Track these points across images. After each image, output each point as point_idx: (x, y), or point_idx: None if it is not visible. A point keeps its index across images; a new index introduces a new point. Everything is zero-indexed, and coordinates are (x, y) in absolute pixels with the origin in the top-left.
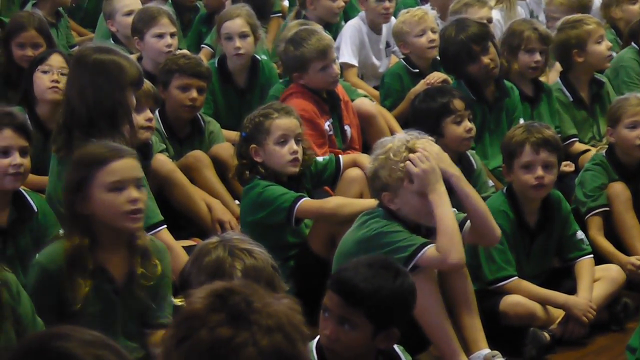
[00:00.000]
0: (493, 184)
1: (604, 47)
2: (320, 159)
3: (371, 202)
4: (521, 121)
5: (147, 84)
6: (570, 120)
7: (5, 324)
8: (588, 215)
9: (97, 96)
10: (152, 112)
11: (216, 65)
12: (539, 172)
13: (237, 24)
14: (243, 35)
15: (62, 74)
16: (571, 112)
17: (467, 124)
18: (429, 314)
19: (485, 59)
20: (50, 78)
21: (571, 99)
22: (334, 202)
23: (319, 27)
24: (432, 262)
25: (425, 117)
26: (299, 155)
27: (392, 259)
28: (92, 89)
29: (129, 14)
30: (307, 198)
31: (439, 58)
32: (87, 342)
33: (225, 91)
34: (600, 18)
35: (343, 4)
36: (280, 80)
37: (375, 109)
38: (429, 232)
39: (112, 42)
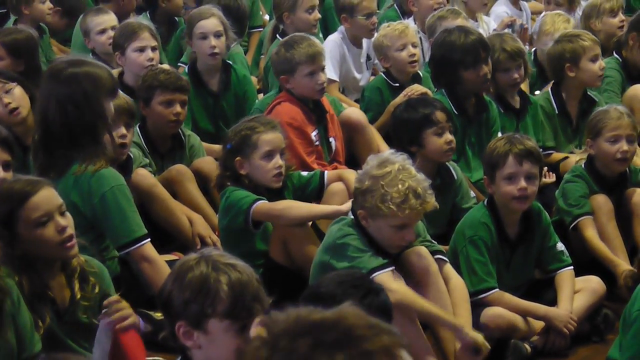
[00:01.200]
0: (474, 195)
1: (597, 66)
2: (304, 173)
3: (323, 209)
4: (499, 135)
5: (121, 98)
6: (550, 132)
7: (6, 331)
8: (576, 221)
9: (77, 111)
10: (127, 127)
11: (187, 70)
12: (522, 183)
13: (212, 23)
14: (217, 35)
15: (6, 92)
16: (553, 124)
17: (448, 136)
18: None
19: (486, 68)
20: (3, 103)
21: (557, 111)
22: (283, 204)
23: (311, 36)
24: (385, 284)
25: (406, 127)
26: (282, 170)
27: (365, 276)
28: (72, 104)
29: (102, 32)
30: (264, 200)
31: (419, 72)
32: None
33: (199, 96)
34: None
35: (319, 16)
36: (268, 94)
37: (364, 119)
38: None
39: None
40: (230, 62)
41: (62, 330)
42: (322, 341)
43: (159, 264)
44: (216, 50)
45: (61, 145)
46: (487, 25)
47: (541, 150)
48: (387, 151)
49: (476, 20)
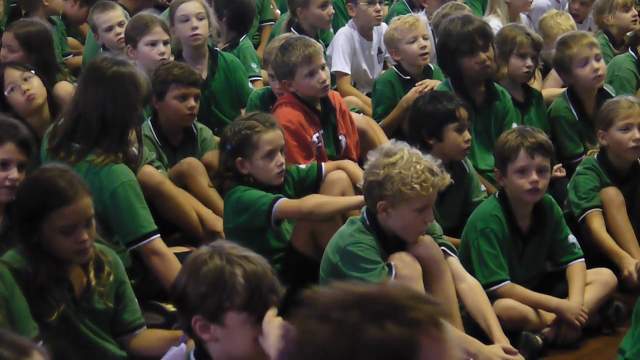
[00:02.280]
0: (485, 187)
1: (587, 70)
2: (302, 166)
3: (350, 200)
4: (514, 126)
5: None
6: (577, 139)
7: None
8: (585, 214)
9: (115, 109)
10: None
11: (173, 59)
12: (534, 176)
13: (193, 5)
14: (200, 17)
15: (25, 80)
16: (577, 130)
17: (467, 135)
18: None
19: (483, 55)
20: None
21: (577, 118)
22: (312, 201)
23: (308, 37)
24: None
25: (428, 119)
26: (284, 166)
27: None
28: (112, 101)
29: (109, 29)
30: (285, 198)
31: (431, 65)
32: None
33: None
34: (593, 24)
35: (333, 11)
36: (262, 88)
37: (365, 123)
38: (401, 240)
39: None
40: (218, 49)
41: (76, 317)
42: (371, 311)
43: (169, 258)
44: (198, 32)
45: (88, 137)
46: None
47: (572, 158)
48: (387, 143)
49: (514, 21)
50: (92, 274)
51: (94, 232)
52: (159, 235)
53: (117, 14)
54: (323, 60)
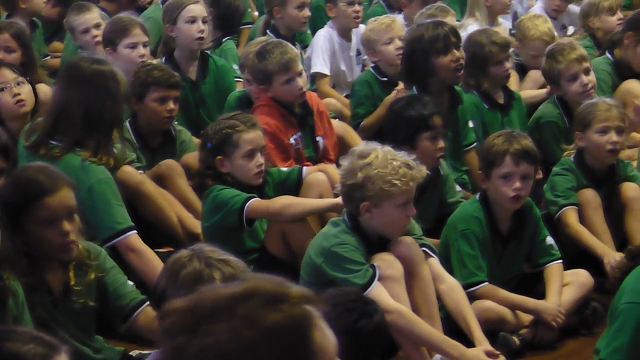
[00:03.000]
0: (461, 189)
1: (577, 85)
2: (284, 169)
3: (320, 203)
4: (470, 124)
5: None
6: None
7: None
8: (561, 211)
9: (99, 106)
10: None
11: (164, 62)
12: (517, 184)
13: (200, 8)
14: (204, 21)
15: (18, 84)
16: (565, 135)
17: (441, 143)
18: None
19: (458, 53)
20: (13, 93)
21: (567, 125)
22: (280, 201)
23: (284, 42)
24: (383, 304)
25: (402, 125)
26: (263, 167)
27: (361, 296)
28: (96, 99)
29: (85, 31)
30: (257, 198)
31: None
32: (32, 337)
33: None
34: (579, 27)
35: (309, 13)
36: (239, 89)
37: (342, 128)
38: (384, 241)
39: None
40: (208, 52)
41: (54, 320)
42: (264, 301)
43: (147, 254)
44: (203, 35)
45: (71, 136)
46: (503, 26)
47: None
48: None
49: (492, 24)
50: (71, 273)
51: (77, 227)
52: (135, 231)
53: (93, 16)
54: (300, 67)
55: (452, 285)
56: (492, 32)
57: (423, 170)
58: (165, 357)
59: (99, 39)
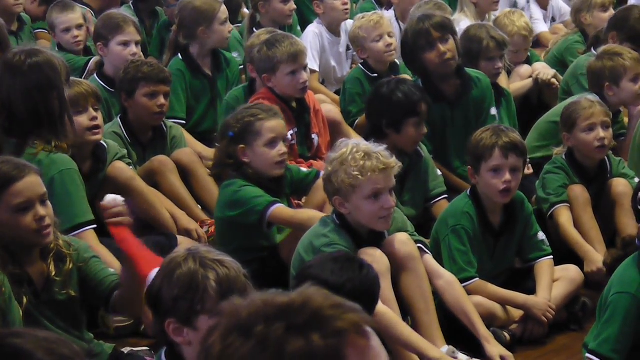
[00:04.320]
0: (440, 172)
1: (638, 86)
2: (304, 169)
3: None
4: (492, 110)
5: (83, 84)
6: None
7: None
8: (553, 209)
9: (42, 96)
10: (95, 110)
11: (181, 58)
12: (507, 176)
13: (226, 9)
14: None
15: None
16: None
17: (424, 129)
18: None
19: (443, 47)
20: None
21: None
22: (307, 214)
23: (293, 35)
24: None
25: (390, 110)
26: (285, 157)
27: (351, 254)
28: (37, 91)
29: (67, 30)
30: (281, 204)
31: (397, 61)
32: (39, 338)
33: (196, 79)
34: (570, 22)
35: (294, 6)
36: (240, 86)
37: (339, 115)
38: (375, 237)
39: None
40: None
41: (38, 310)
42: (295, 323)
43: (99, 252)
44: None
45: (23, 129)
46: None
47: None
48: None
49: (482, 20)
50: (52, 266)
51: (51, 212)
52: (93, 226)
53: (76, 17)
54: (306, 61)
55: (449, 281)
56: (492, 29)
57: (391, 162)
58: (200, 352)
59: (80, 39)
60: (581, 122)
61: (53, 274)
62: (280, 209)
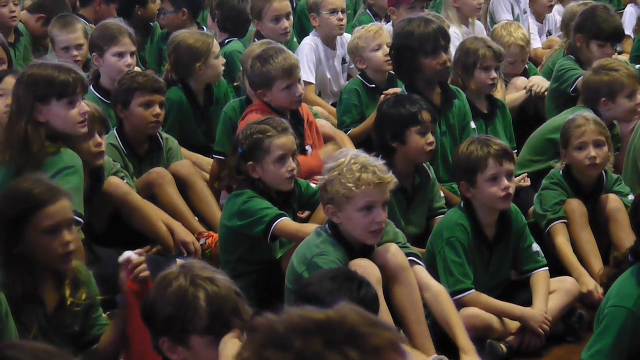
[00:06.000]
0: (444, 194)
1: (633, 102)
2: (313, 186)
3: None
4: (472, 124)
5: (91, 107)
6: None
7: None
8: (551, 226)
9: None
10: (101, 135)
11: (180, 87)
12: (505, 182)
13: (217, 43)
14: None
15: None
16: None
17: (430, 137)
18: None
19: (445, 56)
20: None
21: None
22: (312, 229)
23: (285, 48)
24: None
25: (391, 122)
26: (295, 172)
27: (350, 270)
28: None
29: (66, 49)
30: (288, 218)
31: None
32: (35, 350)
33: (192, 111)
34: (562, 36)
35: (287, 24)
36: (237, 99)
37: (333, 131)
38: (366, 248)
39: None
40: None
41: (46, 336)
42: (332, 339)
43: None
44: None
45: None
46: (480, 29)
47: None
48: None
49: (468, 27)
50: (68, 292)
51: (75, 238)
52: (81, 221)
53: (76, 36)
54: (300, 74)
55: (437, 293)
56: (489, 41)
57: (387, 178)
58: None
59: (79, 59)
60: (574, 140)
61: (69, 302)
62: (286, 222)
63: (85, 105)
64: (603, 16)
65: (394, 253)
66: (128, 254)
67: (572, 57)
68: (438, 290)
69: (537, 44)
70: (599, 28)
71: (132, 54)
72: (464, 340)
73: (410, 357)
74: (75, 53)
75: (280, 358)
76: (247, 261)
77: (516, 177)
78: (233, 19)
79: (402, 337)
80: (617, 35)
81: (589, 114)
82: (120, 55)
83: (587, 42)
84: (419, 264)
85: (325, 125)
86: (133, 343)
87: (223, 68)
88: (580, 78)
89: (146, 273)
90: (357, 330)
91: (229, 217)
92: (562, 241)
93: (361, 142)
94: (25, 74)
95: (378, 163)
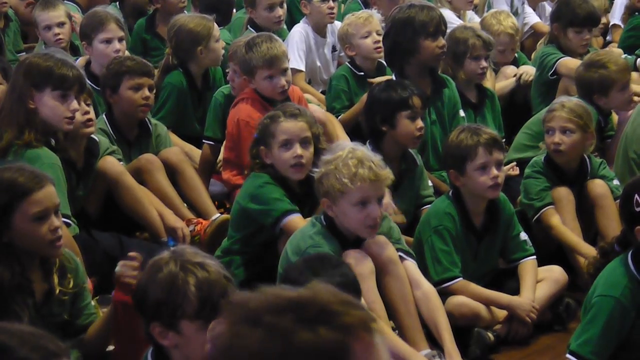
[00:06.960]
0: (431, 182)
1: (627, 94)
2: None
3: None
4: (461, 112)
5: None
6: None
7: None
8: (539, 213)
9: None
10: (87, 104)
11: (181, 71)
12: (494, 171)
13: (217, 26)
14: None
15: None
16: None
17: (420, 123)
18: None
19: (443, 41)
20: None
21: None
22: None
23: (275, 37)
24: None
25: (382, 106)
26: (305, 160)
27: (328, 254)
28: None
29: (47, 28)
30: (298, 215)
31: (383, 62)
32: (24, 333)
33: (190, 96)
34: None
35: (280, 12)
36: (227, 85)
37: (324, 116)
38: (358, 240)
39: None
40: None
41: (35, 326)
42: (304, 316)
43: (73, 249)
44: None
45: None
46: (472, 21)
47: None
48: (345, 137)
49: (460, 18)
50: (56, 281)
51: (62, 224)
52: (67, 221)
53: (57, 14)
54: (285, 64)
55: (427, 292)
56: (478, 30)
57: (383, 174)
58: (209, 341)
59: (62, 37)
60: (544, 125)
61: (57, 291)
62: (295, 220)
63: (76, 104)
64: (577, 2)
65: (382, 245)
66: (122, 263)
67: (553, 44)
68: (428, 289)
69: (536, 18)
70: (574, 14)
71: (120, 39)
72: (449, 344)
73: (383, 339)
74: (57, 31)
75: (250, 333)
76: (248, 241)
77: (506, 164)
78: (214, 7)
79: (372, 317)
80: (592, 20)
81: (570, 100)
82: (108, 41)
83: (564, 30)
84: (411, 261)
85: (317, 110)
86: (118, 346)
87: (223, 51)
88: (560, 61)
89: (132, 281)
90: (329, 308)
91: (243, 196)
92: (557, 222)
93: (351, 127)
94: (28, 59)
95: (375, 158)
